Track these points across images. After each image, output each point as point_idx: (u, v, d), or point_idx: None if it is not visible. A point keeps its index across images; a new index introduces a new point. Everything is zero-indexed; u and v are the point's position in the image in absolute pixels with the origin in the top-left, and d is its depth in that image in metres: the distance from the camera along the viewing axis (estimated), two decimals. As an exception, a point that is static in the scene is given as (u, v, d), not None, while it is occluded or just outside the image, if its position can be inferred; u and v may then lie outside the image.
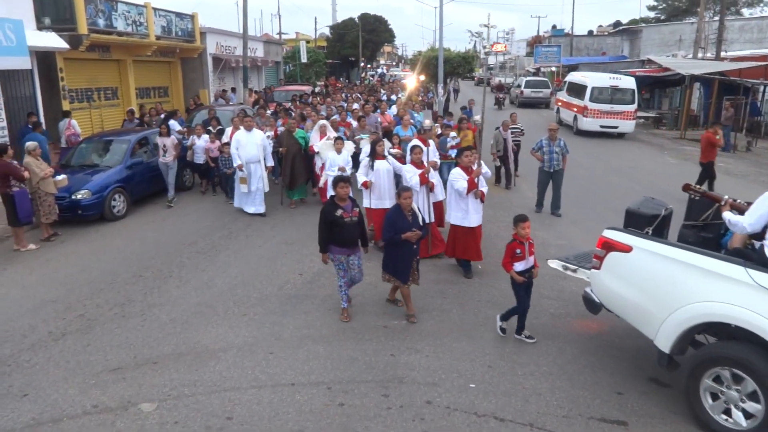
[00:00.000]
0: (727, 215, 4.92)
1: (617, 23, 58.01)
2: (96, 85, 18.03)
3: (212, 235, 9.87)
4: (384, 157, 8.76)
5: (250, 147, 10.82)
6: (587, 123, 22.37)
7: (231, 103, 19.65)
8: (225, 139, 11.99)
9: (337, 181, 6.49)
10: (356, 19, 56.70)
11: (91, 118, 17.57)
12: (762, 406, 4.26)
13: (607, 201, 12.37)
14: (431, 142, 9.57)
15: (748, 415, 4.40)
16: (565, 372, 5.60)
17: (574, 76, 26.08)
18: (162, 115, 15.98)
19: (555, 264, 6.16)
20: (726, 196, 5.22)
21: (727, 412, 4.53)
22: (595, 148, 19.81)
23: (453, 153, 11.38)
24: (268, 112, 15.05)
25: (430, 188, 8.25)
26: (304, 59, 39.41)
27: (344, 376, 5.49)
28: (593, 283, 5.61)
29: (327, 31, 59.59)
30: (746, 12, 47.48)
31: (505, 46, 73.68)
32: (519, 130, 14.24)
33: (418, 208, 6.72)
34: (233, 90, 23.77)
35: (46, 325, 6.63)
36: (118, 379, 5.47)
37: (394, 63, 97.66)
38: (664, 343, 4.77)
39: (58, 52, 15.32)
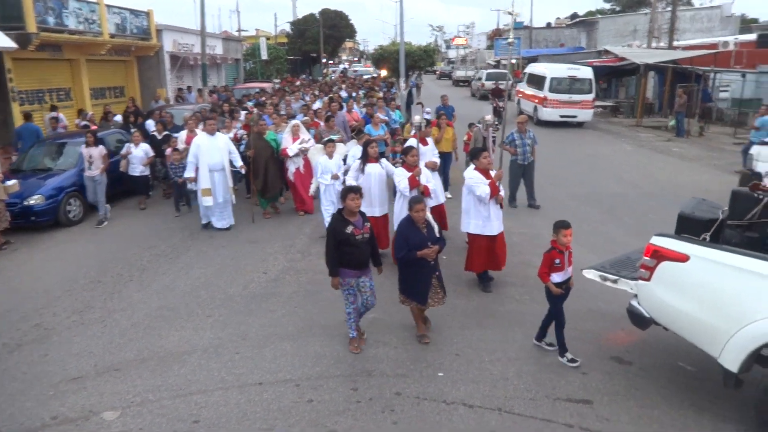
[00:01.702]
0: None
1: (574, 15, 59.09)
2: (48, 86, 17.43)
3: (173, 237, 9.67)
4: (376, 160, 8.05)
5: (213, 153, 9.68)
6: (547, 113, 22.71)
7: (188, 104, 19.11)
8: (181, 144, 10.92)
9: (347, 192, 5.58)
10: (317, 15, 56.28)
11: (43, 121, 16.98)
12: None
13: (569, 188, 12.61)
14: (430, 141, 9.16)
15: None
16: (531, 356, 5.67)
17: (533, 68, 26.42)
18: (117, 117, 15.53)
19: (591, 274, 5.55)
20: None
21: None
22: (556, 137, 20.12)
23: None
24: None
25: (423, 192, 7.29)
26: (264, 56, 38.96)
27: (312, 373, 5.45)
28: (641, 295, 5.12)
29: (287, 28, 59.01)
30: (696, 2, 48.93)
31: (466, 40, 74.34)
32: (495, 126, 14.13)
33: (433, 218, 5.93)
34: (189, 89, 23.24)
35: (0, 337, 6.39)
36: (79, 389, 5.31)
37: (356, 59, 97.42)
38: (732, 361, 4.33)
39: (6, 52, 14.74)
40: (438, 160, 8.92)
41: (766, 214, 5.10)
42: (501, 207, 7.14)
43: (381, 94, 18.86)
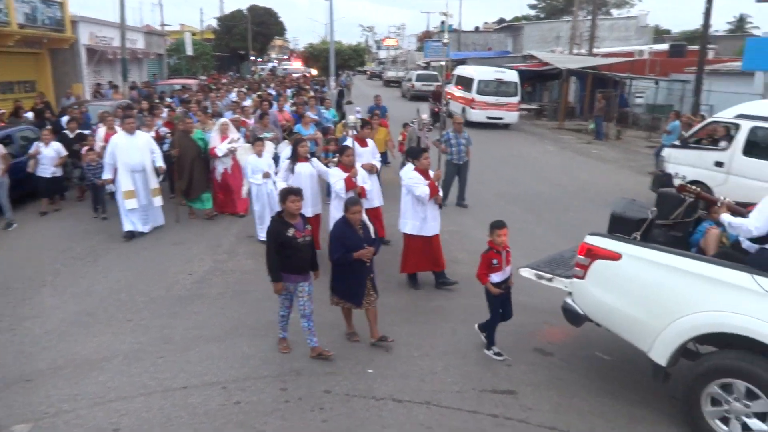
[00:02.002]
0: (726, 218, 4.69)
1: (501, 20, 60.96)
2: (-52, 78, 16.20)
3: (90, 240, 9.18)
4: (307, 159, 7.84)
5: (134, 153, 9.05)
6: (475, 114, 23.27)
7: (106, 100, 18.18)
8: (99, 143, 10.32)
9: (287, 194, 5.36)
10: (245, 11, 55.13)
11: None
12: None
13: (496, 188, 12.99)
14: (370, 142, 8.89)
15: (746, 429, 4.21)
16: (458, 350, 5.80)
17: (462, 70, 27.02)
18: (29, 114, 14.54)
19: (527, 273, 5.61)
20: (722, 197, 4.97)
21: (725, 420, 4.35)
22: (483, 138, 20.62)
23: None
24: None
25: (360, 194, 7.12)
26: (189, 52, 37.80)
27: (239, 374, 5.34)
28: (575, 293, 5.20)
29: (214, 23, 57.50)
30: (615, 12, 51.60)
31: (396, 41, 75.10)
32: (428, 127, 13.99)
33: (368, 219, 5.90)
34: (111, 84, 22.15)
35: None
36: (-15, 401, 4.95)
37: (286, 57, 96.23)
38: (661, 355, 4.51)
39: None
40: (378, 164, 8.73)
41: (689, 214, 5.35)
42: (440, 207, 7.17)
43: (312, 93, 18.68)
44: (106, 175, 9.15)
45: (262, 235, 8.78)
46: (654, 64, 26.39)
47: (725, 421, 4.34)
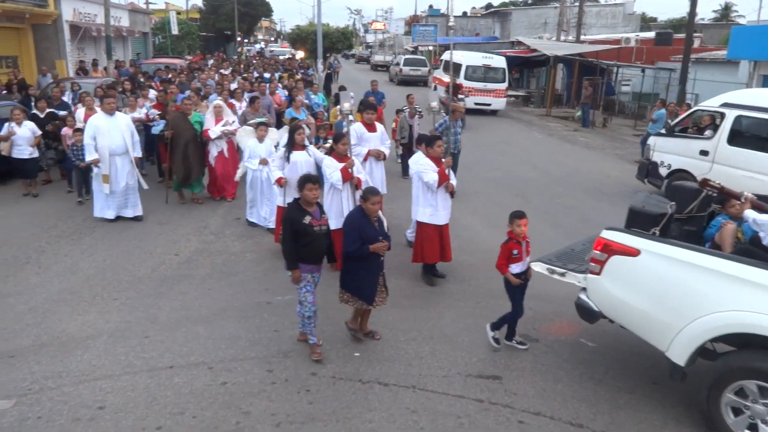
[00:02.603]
0: (751, 214, 4.60)
1: (489, 6, 60.64)
2: (-74, 52, 15.77)
3: (75, 218, 9.08)
4: (303, 147, 7.41)
5: (114, 135, 8.67)
6: (442, 94, 23.19)
7: (89, 78, 17.77)
8: (79, 123, 9.96)
9: (305, 181, 5.15)
10: (231, -9, 54.18)
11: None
12: None
13: (484, 174, 13.02)
14: (380, 127, 8.41)
15: None
16: (445, 335, 5.84)
17: (449, 55, 26.90)
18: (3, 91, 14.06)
19: (539, 267, 5.44)
20: (746, 193, 4.86)
21: (753, 427, 4.20)
22: (471, 124, 20.62)
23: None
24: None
25: (356, 185, 6.78)
26: (175, 31, 37.15)
27: (226, 355, 5.34)
28: (590, 289, 5.06)
29: (200, 2, 56.52)
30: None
31: (384, 25, 74.50)
32: (419, 113, 12.72)
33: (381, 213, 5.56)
34: (93, 62, 21.69)
35: None
36: (-33, 378, 4.91)
37: (273, 38, 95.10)
38: (679, 355, 4.38)
39: None
40: (387, 150, 8.36)
41: (703, 208, 5.29)
42: (452, 196, 6.99)
43: (299, 76, 18.41)
44: (91, 156, 8.70)
45: (252, 218, 8.83)
46: (640, 51, 26.52)
47: (754, 428, 4.19)
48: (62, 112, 11.13)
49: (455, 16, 54.01)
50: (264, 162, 8.33)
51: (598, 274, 4.92)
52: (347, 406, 4.67)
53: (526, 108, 27.15)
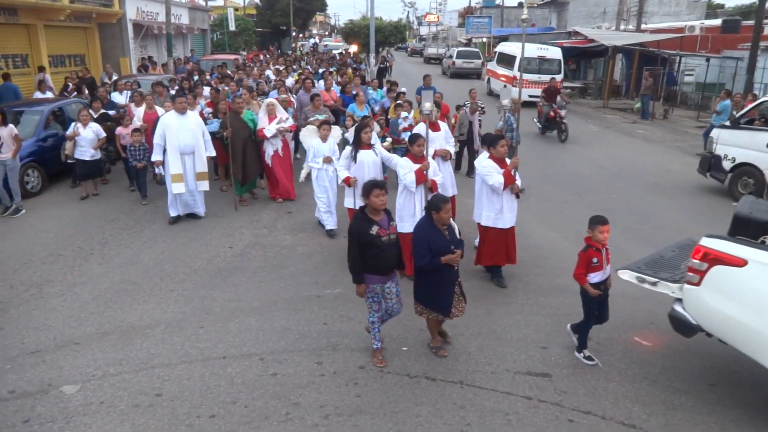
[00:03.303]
0: None
1: (545, -5, 59.16)
2: (2, 51, 16.73)
3: (136, 211, 9.48)
4: (370, 146, 7.19)
5: (185, 134, 8.62)
6: (516, 93, 22.77)
7: (151, 75, 18.39)
8: (137, 122, 10.23)
9: (372, 188, 4.84)
10: (287, -13, 55.00)
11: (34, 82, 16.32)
12: None
13: (536, 169, 12.75)
14: (443, 125, 8.19)
15: None
16: (493, 331, 5.78)
17: (504, 47, 26.47)
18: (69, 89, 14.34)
19: (627, 275, 5.12)
20: None
21: None
22: (523, 117, 20.24)
23: (406, 136, 9.46)
24: (173, 90, 12.72)
25: (431, 188, 6.44)
26: (232, 27, 38.04)
27: (277, 347, 5.46)
28: (688, 301, 4.71)
29: (256, -1, 57.62)
30: (665, -15, 49.46)
31: (438, 17, 73.95)
32: (480, 109, 11.96)
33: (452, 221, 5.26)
34: (150, 59, 22.48)
35: (-46, 310, 6.22)
36: (37, 363, 5.21)
37: (327, 33, 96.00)
38: None
39: (-43, 16, 14.11)
40: (452, 149, 8.07)
41: None
42: (517, 197, 6.73)
43: (350, 71, 18.40)
44: (156, 157, 8.81)
45: (326, 223, 8.46)
46: (705, 40, 25.33)
47: None
48: (110, 112, 11.39)
49: (510, 7, 53.13)
50: (328, 160, 8.21)
51: (697, 285, 4.58)
52: (394, 400, 4.70)
53: (583, 100, 26.40)
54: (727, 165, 10.46)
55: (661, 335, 5.71)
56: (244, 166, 9.52)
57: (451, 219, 5.19)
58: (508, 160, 6.62)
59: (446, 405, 4.65)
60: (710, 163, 10.88)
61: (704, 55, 23.05)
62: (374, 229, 4.81)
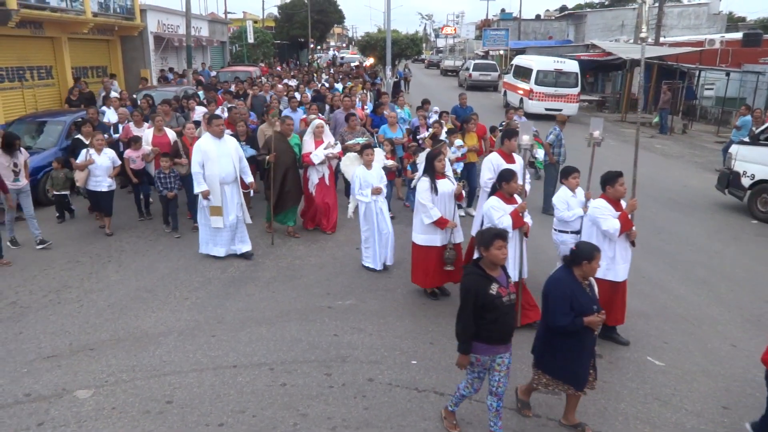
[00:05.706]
0: None
1: (563, 8, 59.45)
2: (28, 63, 17.13)
3: (154, 220, 9.62)
4: (444, 176, 6.45)
5: (224, 161, 7.55)
6: (533, 105, 22.79)
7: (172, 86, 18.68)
8: (146, 146, 9.31)
9: (494, 237, 4.02)
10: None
11: (23, 99, 16.73)
12: None
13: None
14: (518, 159, 6.70)
15: None
16: (504, 346, 5.74)
17: (520, 60, 26.49)
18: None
19: None
20: None
21: None
22: (541, 130, 20.22)
23: (459, 167, 9.15)
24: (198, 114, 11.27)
25: (525, 233, 5.77)
26: (251, 39, 38.58)
27: (287, 357, 5.50)
28: None
29: (275, 11, 58.38)
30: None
31: (455, 29, 74.18)
32: (534, 132, 10.66)
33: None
34: (171, 70, 22.81)
35: (-26, 314, 6.35)
36: (53, 367, 5.31)
37: (345, 45, 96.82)
38: None
39: (-15, 29, 14.48)
40: (528, 185, 6.51)
41: None
42: (633, 245, 5.74)
43: (359, 85, 18.13)
44: (201, 187, 7.58)
45: (368, 262, 7.61)
46: (726, 54, 25.11)
47: None
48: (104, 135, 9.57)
49: (527, 20, 53.18)
50: (377, 191, 7.42)
51: None
52: (402, 414, 4.71)
53: (600, 113, 26.25)
54: (746, 182, 10.34)
55: (675, 355, 5.65)
56: (281, 192, 8.51)
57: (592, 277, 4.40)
58: (623, 202, 5.68)
59: (454, 419, 4.63)
60: (729, 180, 10.76)
61: (724, 69, 22.85)
62: (494, 288, 4.00)
